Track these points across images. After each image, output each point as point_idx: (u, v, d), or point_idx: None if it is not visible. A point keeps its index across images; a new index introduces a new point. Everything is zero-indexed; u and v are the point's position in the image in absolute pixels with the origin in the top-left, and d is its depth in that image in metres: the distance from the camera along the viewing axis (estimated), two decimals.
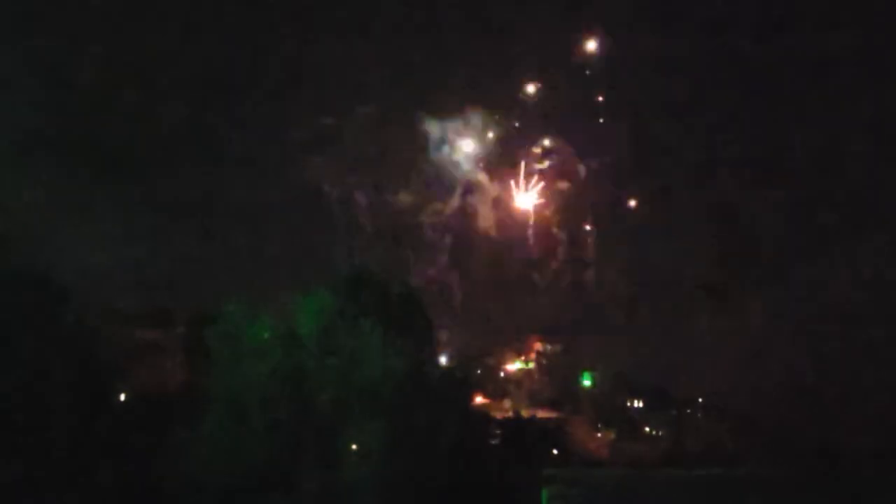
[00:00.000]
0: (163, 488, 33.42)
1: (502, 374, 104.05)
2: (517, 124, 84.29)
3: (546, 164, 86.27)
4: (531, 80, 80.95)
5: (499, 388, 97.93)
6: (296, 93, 74.71)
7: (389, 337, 35.59)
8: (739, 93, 72.32)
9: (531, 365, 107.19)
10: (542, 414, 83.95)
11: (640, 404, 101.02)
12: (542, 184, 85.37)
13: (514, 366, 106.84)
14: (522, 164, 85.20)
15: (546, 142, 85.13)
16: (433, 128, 78.57)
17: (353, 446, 33.45)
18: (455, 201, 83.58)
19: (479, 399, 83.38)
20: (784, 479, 22.42)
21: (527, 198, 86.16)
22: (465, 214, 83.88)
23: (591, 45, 78.03)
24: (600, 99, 78.69)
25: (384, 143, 77.54)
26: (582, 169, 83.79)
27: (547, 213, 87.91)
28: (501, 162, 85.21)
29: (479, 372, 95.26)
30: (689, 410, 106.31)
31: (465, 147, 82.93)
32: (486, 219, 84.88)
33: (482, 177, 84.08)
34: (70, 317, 36.81)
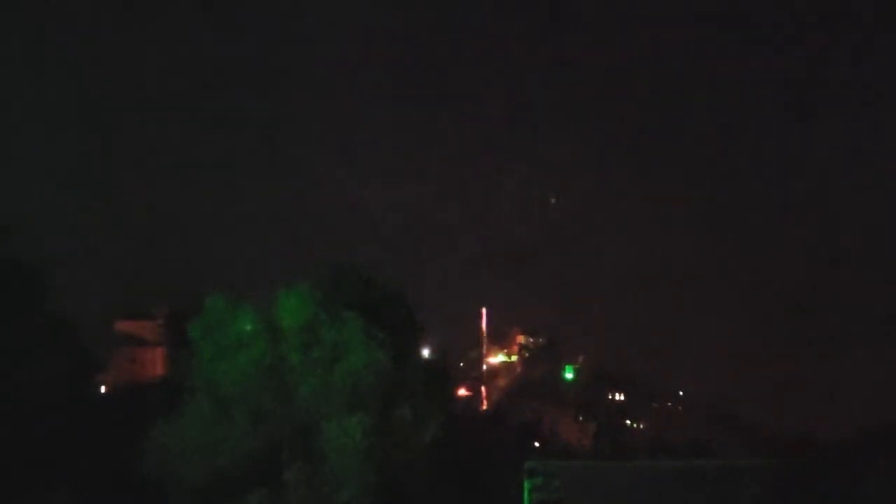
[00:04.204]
0: (143, 482, 33.27)
1: (485, 367, 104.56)
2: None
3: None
4: None
5: (482, 380, 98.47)
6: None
7: (372, 329, 35.49)
8: None
9: (514, 358, 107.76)
10: (524, 406, 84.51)
11: (622, 397, 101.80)
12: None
13: (496, 359, 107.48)
14: None
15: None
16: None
17: (335, 438, 33.38)
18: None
19: (461, 391, 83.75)
20: (766, 469, 22.60)
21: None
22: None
23: None
24: None
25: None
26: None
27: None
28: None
29: (462, 365, 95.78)
30: (669, 403, 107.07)
31: None
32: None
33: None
34: (50, 307, 36.40)
